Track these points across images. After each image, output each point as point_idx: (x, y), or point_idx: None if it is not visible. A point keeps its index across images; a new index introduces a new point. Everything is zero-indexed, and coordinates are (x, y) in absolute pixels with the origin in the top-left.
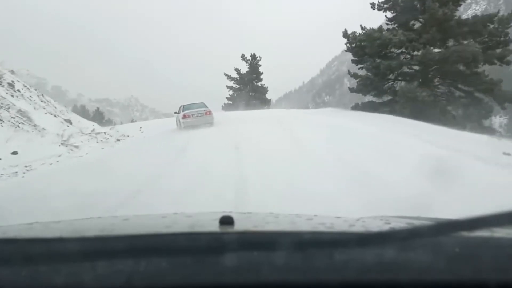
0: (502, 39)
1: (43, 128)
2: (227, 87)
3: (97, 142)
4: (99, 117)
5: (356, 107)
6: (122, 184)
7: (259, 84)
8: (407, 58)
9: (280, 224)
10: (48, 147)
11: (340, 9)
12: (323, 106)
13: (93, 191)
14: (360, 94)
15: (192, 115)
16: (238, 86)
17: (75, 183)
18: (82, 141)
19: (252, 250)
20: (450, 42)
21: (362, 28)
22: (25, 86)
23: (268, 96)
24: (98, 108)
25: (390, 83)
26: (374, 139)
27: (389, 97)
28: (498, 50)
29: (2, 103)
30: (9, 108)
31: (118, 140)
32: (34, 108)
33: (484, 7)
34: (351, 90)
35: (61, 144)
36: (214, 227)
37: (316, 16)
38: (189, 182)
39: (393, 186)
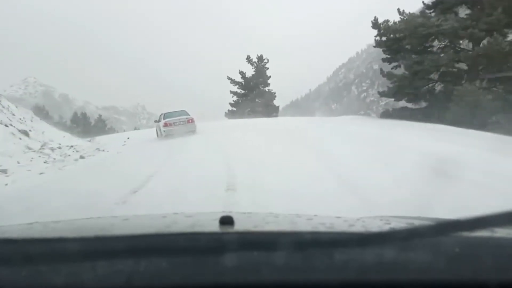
0: None
1: None
2: (231, 92)
3: (44, 162)
4: (101, 125)
5: (386, 115)
6: None
7: (266, 89)
8: (457, 51)
9: (280, 224)
10: None
11: (347, 16)
12: (330, 114)
13: None
14: (369, 101)
15: (174, 123)
16: (242, 92)
17: None
18: (19, 162)
19: (252, 250)
20: None
21: (400, 13)
22: None
23: (275, 102)
24: (100, 116)
25: (430, 85)
26: (470, 165)
27: (425, 102)
28: None
29: None
30: None
31: (81, 157)
32: None
33: None
34: (382, 94)
35: None
36: (214, 227)
37: (323, 23)
38: None
39: None
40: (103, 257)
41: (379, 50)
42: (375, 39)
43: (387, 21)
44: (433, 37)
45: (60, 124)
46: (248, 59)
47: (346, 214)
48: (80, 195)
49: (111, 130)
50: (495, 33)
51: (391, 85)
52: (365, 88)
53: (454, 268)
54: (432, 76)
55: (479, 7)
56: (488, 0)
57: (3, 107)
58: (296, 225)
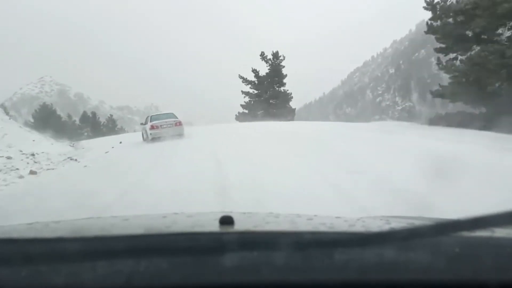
0: None
1: None
2: (243, 92)
3: None
4: (112, 125)
5: (435, 121)
6: None
7: (281, 89)
8: None
9: (280, 224)
10: None
11: (362, 20)
12: (344, 118)
13: None
14: (384, 105)
15: (161, 126)
16: (255, 92)
17: None
18: None
19: (252, 250)
20: None
21: None
22: None
23: (291, 104)
24: (111, 116)
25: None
26: None
27: (487, 105)
28: None
29: None
30: None
31: (31, 173)
32: None
33: None
34: (434, 94)
35: None
36: (214, 227)
37: (338, 26)
38: None
39: None
40: (103, 257)
41: (395, 54)
42: (427, 23)
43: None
44: None
45: (67, 124)
46: (263, 56)
47: None
48: None
49: (121, 130)
50: None
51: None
52: (380, 92)
53: (454, 268)
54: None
55: None
56: None
57: None
58: (296, 225)
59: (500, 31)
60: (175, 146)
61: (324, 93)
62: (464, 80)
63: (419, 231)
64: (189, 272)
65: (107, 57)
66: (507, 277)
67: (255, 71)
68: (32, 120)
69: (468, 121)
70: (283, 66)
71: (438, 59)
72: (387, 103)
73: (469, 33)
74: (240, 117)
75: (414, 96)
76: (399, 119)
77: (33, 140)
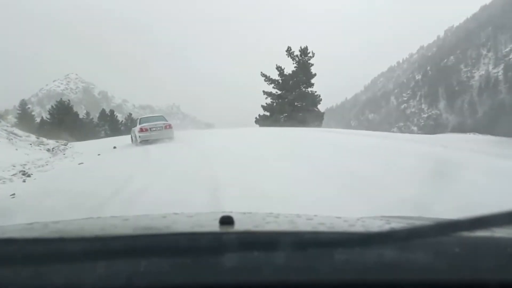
0: None
1: None
2: (264, 92)
3: None
4: (131, 124)
5: None
6: None
7: (308, 90)
8: None
9: (280, 224)
10: None
11: (388, 23)
12: (367, 123)
13: None
14: (409, 112)
15: (150, 129)
16: (279, 92)
17: None
18: None
19: (252, 250)
20: None
21: None
22: None
23: (320, 108)
24: (130, 114)
25: None
26: None
27: None
28: None
29: None
30: None
31: None
32: None
33: None
34: None
35: None
36: (214, 227)
37: (361, 30)
38: None
39: None
40: (103, 257)
41: (422, 60)
42: None
43: None
44: None
45: (84, 122)
46: (289, 52)
47: None
48: None
49: None
50: None
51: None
52: (405, 98)
53: (454, 268)
54: None
55: None
56: None
57: None
58: (296, 225)
59: None
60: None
61: (346, 98)
62: None
63: (419, 231)
64: (189, 272)
65: (131, 57)
66: (507, 277)
67: (279, 69)
68: (48, 117)
69: None
70: (312, 64)
71: None
72: (413, 110)
73: None
74: (261, 121)
75: (442, 104)
76: (424, 127)
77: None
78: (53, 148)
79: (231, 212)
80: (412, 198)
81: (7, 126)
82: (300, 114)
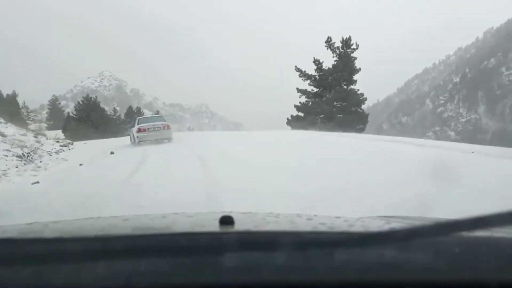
0: None
1: None
2: (298, 90)
3: None
4: None
5: None
6: None
7: (350, 87)
8: None
9: (280, 224)
10: None
11: (424, 23)
12: (400, 127)
13: None
14: (446, 116)
15: (148, 129)
16: (315, 90)
17: None
18: None
19: (252, 250)
20: None
21: None
22: None
23: (364, 108)
24: (158, 112)
25: None
26: None
27: None
28: None
29: None
30: None
31: None
32: None
33: None
34: None
35: None
36: (214, 227)
37: (395, 30)
38: None
39: None
40: (103, 257)
41: (459, 62)
42: None
43: None
44: None
45: (111, 118)
46: (328, 44)
47: None
48: None
49: None
50: None
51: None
52: (442, 102)
53: (454, 268)
54: None
55: None
56: None
57: None
58: (296, 225)
59: None
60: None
61: (378, 99)
62: None
63: (419, 231)
64: (189, 272)
65: (163, 56)
66: (507, 277)
67: (317, 62)
68: (74, 112)
69: None
70: (355, 58)
71: None
72: (450, 114)
73: None
74: (293, 122)
75: (481, 108)
76: (462, 132)
77: None
78: (28, 153)
79: (231, 212)
80: None
81: None
82: (340, 115)
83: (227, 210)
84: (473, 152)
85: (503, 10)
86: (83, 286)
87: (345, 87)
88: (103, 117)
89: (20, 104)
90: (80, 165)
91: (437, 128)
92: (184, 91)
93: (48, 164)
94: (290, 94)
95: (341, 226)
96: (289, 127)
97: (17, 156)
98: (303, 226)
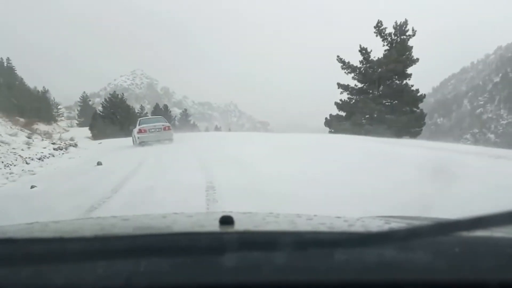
0: None
1: None
2: (339, 86)
3: None
4: (184, 119)
5: None
6: None
7: (404, 82)
8: None
9: (280, 224)
10: None
11: (462, 20)
12: (435, 128)
13: None
14: (486, 117)
15: (149, 130)
16: (360, 86)
17: None
18: None
19: (252, 250)
20: None
21: None
22: None
23: (421, 106)
24: (185, 110)
25: None
26: None
27: None
28: None
29: None
30: None
31: None
32: None
33: None
34: None
35: None
36: (214, 227)
37: (432, 28)
38: None
39: None
40: (103, 257)
41: (500, 61)
42: None
43: None
44: None
45: (137, 115)
46: (378, 29)
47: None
48: None
49: (193, 127)
50: None
51: None
52: (481, 103)
53: (454, 268)
54: None
55: None
56: None
57: None
58: (296, 225)
59: None
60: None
61: None
62: None
63: (419, 231)
64: (189, 272)
65: (193, 55)
66: (507, 277)
67: (363, 51)
68: (100, 109)
69: None
70: (411, 47)
71: None
72: (489, 115)
73: None
74: (333, 122)
75: None
76: (503, 135)
77: None
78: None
79: (231, 212)
80: None
81: None
82: (391, 116)
83: (227, 210)
84: None
85: None
86: (83, 286)
87: (397, 81)
88: (129, 115)
89: (52, 101)
90: (32, 187)
91: (475, 131)
92: (213, 90)
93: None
94: (328, 91)
95: (341, 226)
96: (327, 128)
97: None
98: (303, 226)
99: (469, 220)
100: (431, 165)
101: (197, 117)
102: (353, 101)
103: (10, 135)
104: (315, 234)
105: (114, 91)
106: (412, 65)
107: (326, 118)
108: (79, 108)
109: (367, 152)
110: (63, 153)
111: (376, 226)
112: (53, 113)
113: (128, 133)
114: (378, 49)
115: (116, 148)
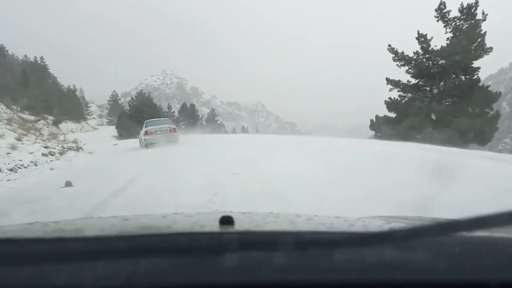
0: None
1: None
2: (389, 81)
3: None
4: (211, 119)
5: None
6: None
7: (474, 76)
8: None
9: (280, 224)
10: None
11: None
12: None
13: None
14: None
15: (155, 132)
16: (415, 82)
17: None
18: None
19: (252, 250)
20: None
21: None
22: None
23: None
24: (212, 110)
25: None
26: None
27: None
28: None
29: None
30: None
31: None
32: None
33: None
34: None
35: None
36: (214, 227)
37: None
38: None
39: None
40: (103, 257)
41: None
42: None
43: None
44: None
45: (164, 115)
46: (440, 12)
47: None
48: None
49: (220, 127)
50: None
51: None
52: None
53: (454, 268)
54: None
55: None
56: None
57: None
58: (296, 225)
59: None
60: None
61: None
62: None
63: (419, 231)
64: (189, 272)
65: (222, 55)
66: (507, 277)
67: (422, 39)
68: (128, 108)
69: None
70: (484, 34)
71: None
72: None
73: None
74: (380, 125)
75: None
76: None
77: None
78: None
79: (231, 212)
80: None
81: None
82: (458, 118)
83: (227, 210)
84: None
85: None
86: (83, 286)
87: (462, 77)
88: (156, 114)
89: (82, 99)
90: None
91: None
92: (241, 90)
93: None
94: (353, 92)
95: (341, 226)
96: (372, 132)
97: None
98: (303, 226)
99: (469, 220)
100: None
101: (224, 116)
102: (406, 99)
103: None
104: (315, 234)
105: (141, 90)
106: (483, 56)
107: (371, 120)
108: (108, 107)
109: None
110: (51, 160)
111: (376, 226)
112: (83, 111)
113: None
114: (439, 39)
115: (126, 152)
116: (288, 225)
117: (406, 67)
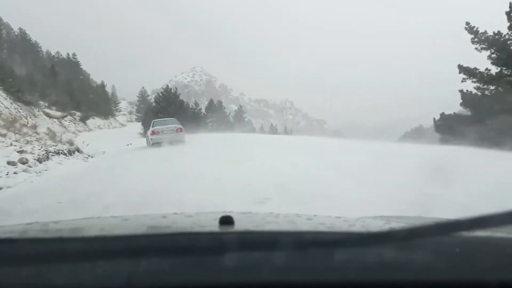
0: None
1: None
2: (462, 69)
3: None
4: (239, 117)
5: None
6: None
7: None
8: None
9: (280, 224)
10: None
11: None
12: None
13: None
14: None
15: (162, 132)
16: (499, 69)
17: None
18: None
19: (252, 250)
20: None
21: None
22: None
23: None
24: (240, 107)
25: None
26: None
27: None
28: None
29: None
30: None
31: None
32: None
33: None
34: None
35: None
36: (214, 227)
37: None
38: None
39: None
40: (103, 257)
41: None
42: None
43: None
44: None
45: (191, 112)
46: None
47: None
48: None
49: (248, 124)
50: None
51: None
52: None
53: (454, 268)
54: None
55: None
56: None
57: None
58: (296, 225)
59: None
60: None
61: None
62: None
63: (419, 231)
64: (189, 272)
65: (250, 52)
66: (507, 277)
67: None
68: (154, 104)
69: None
70: None
71: None
72: None
73: None
74: (448, 126)
75: None
76: None
77: None
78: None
79: (231, 212)
80: None
81: None
82: None
83: (227, 210)
84: None
85: None
86: (83, 286)
87: None
88: (182, 110)
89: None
90: None
91: None
92: (269, 87)
93: None
94: (385, 87)
95: (341, 226)
96: (438, 135)
97: None
98: (303, 226)
99: (469, 220)
100: None
101: (253, 114)
102: (485, 91)
103: None
104: (315, 234)
105: (167, 85)
106: None
107: (433, 119)
108: (137, 103)
109: None
110: (14, 172)
111: (376, 226)
112: (112, 107)
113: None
114: None
115: (129, 157)
116: (288, 225)
117: (490, 50)
